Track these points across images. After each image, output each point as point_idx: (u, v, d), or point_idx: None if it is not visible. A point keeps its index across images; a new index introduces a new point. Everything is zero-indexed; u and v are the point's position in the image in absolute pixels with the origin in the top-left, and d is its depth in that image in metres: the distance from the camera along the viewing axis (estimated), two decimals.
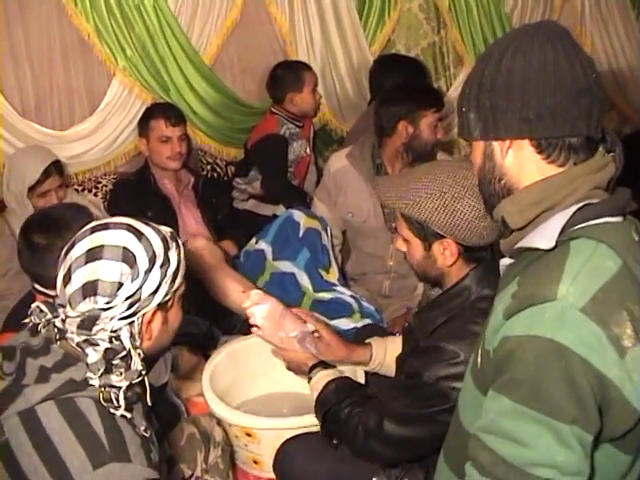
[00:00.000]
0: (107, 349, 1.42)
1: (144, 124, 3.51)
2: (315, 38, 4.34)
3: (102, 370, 1.40)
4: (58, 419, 1.38)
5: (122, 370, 1.43)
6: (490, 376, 1.33)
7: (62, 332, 1.45)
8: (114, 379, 1.42)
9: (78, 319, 1.41)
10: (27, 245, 2.22)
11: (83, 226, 2.16)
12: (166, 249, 1.50)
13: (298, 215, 3.35)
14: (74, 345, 1.43)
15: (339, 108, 4.59)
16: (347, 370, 2.44)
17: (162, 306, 1.53)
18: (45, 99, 3.66)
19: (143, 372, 1.48)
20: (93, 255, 1.44)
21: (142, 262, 1.45)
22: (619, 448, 1.29)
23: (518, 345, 1.24)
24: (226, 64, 4.18)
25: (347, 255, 3.52)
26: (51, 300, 1.52)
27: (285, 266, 3.26)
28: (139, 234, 1.48)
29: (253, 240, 3.43)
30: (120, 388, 1.41)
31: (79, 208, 2.32)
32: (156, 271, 1.46)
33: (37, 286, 2.27)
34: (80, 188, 3.72)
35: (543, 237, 1.31)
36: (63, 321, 1.44)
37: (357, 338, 2.65)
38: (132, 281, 1.43)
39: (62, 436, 1.37)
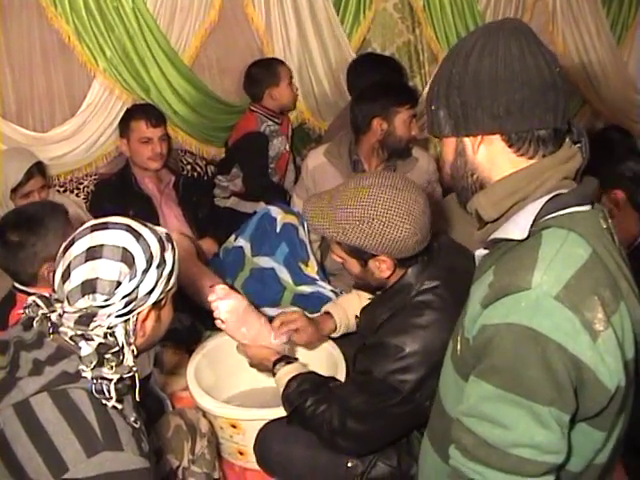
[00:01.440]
0: (100, 344, 1.45)
1: (125, 125, 3.53)
2: (292, 38, 4.37)
3: (94, 363, 1.44)
4: (52, 410, 1.41)
5: (113, 364, 1.47)
6: (470, 363, 1.38)
7: (55, 326, 1.48)
8: (105, 372, 1.45)
9: (76, 315, 1.45)
10: (2, 243, 2.25)
11: (58, 223, 2.20)
12: (162, 250, 1.54)
13: (275, 211, 3.39)
14: (67, 339, 1.46)
15: (317, 107, 4.62)
16: (329, 367, 2.53)
17: (156, 305, 1.57)
18: (26, 101, 3.67)
19: (134, 368, 1.51)
20: (93, 254, 1.47)
21: (140, 262, 1.49)
22: (594, 426, 1.35)
23: (496, 333, 1.29)
24: (205, 65, 4.21)
25: (326, 251, 3.53)
26: (37, 297, 1.55)
27: (264, 261, 3.29)
28: (137, 235, 1.52)
29: (232, 237, 3.46)
30: (111, 380, 1.45)
31: (54, 206, 2.34)
32: (153, 271, 1.50)
33: (17, 285, 2.30)
34: (62, 189, 3.74)
35: (516, 228, 1.36)
36: (60, 316, 1.47)
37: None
38: (130, 280, 1.47)
39: (56, 426, 1.39)
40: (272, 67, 4.14)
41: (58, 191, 3.68)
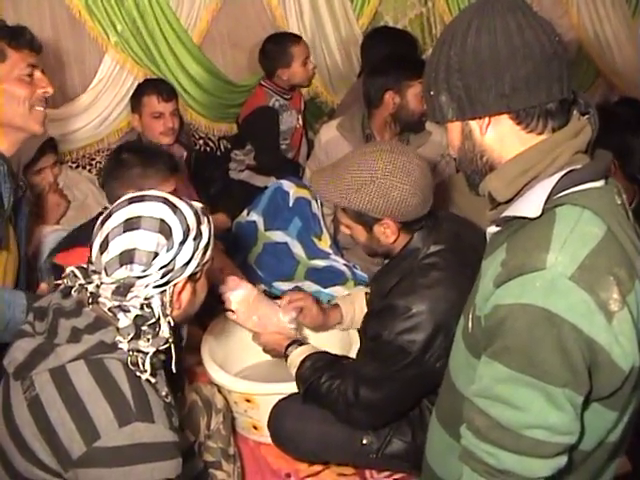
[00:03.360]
0: (137, 315, 1.48)
1: (136, 100, 3.51)
2: (305, 11, 4.34)
3: (132, 335, 1.46)
4: (88, 378, 1.43)
5: (150, 337, 1.49)
6: (482, 342, 1.37)
7: (94, 296, 1.51)
8: (142, 344, 1.48)
9: (113, 285, 1.48)
10: (115, 155, 2.38)
11: (160, 172, 2.29)
12: (198, 223, 1.56)
13: (288, 185, 3.39)
14: (106, 310, 1.49)
15: (329, 80, 4.60)
16: (343, 347, 2.54)
17: (192, 277, 1.59)
18: None
19: (170, 340, 1.53)
20: (131, 225, 1.49)
21: (177, 234, 1.50)
22: (607, 406, 1.34)
23: (509, 313, 1.27)
24: (216, 39, 4.19)
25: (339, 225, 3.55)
26: (75, 267, 1.57)
27: (277, 236, 3.29)
28: (174, 207, 1.53)
29: (245, 212, 3.45)
30: (147, 354, 1.48)
31: (172, 163, 2.41)
32: (189, 243, 1.52)
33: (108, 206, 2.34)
34: (74, 165, 3.74)
35: (529, 205, 1.33)
36: (97, 287, 1.50)
37: None
38: (167, 251, 1.49)
39: (91, 394, 1.42)
40: (285, 46, 4.04)
41: (70, 167, 3.68)
